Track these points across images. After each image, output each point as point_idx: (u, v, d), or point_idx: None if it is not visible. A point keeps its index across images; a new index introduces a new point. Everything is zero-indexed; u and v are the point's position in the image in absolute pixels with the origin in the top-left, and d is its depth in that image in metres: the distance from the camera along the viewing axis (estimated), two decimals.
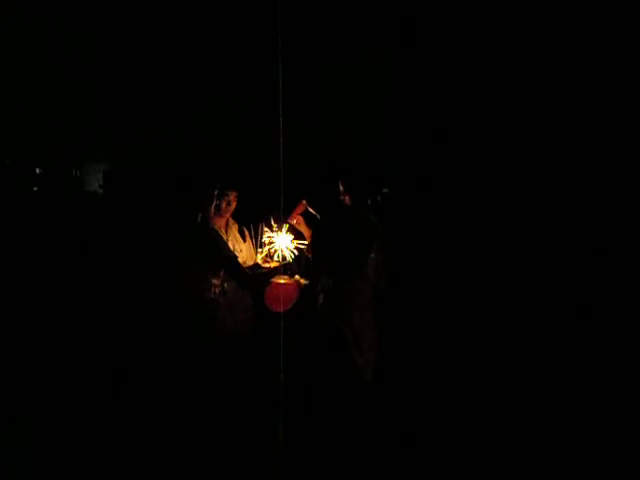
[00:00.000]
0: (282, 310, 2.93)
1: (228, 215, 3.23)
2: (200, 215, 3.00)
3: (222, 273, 2.99)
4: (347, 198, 3.25)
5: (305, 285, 3.04)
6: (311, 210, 3.23)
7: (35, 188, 5.40)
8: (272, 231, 3.15)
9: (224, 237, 3.17)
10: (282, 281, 2.95)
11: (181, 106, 5.18)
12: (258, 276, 3.05)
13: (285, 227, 3.14)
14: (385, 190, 5.02)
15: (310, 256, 3.23)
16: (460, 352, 3.89)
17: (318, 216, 3.23)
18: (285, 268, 3.02)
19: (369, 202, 4.63)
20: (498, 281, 4.46)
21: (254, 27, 4.77)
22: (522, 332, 4.01)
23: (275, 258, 3.13)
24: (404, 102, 5.26)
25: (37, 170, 5.43)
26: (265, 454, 2.73)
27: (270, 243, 3.15)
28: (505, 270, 4.53)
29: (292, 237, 3.13)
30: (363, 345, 3.12)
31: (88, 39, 5.35)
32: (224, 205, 3.14)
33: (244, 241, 3.32)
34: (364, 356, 3.13)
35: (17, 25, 5.32)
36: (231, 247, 3.18)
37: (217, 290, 2.96)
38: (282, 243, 3.11)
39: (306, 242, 3.16)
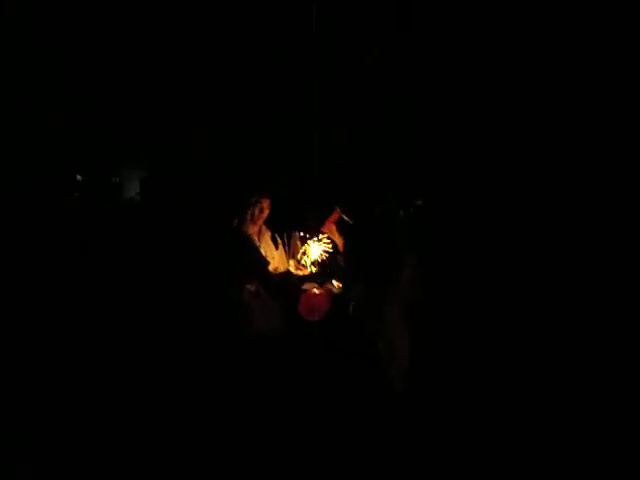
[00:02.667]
0: (315, 319, 2.96)
1: (261, 222, 3.25)
2: (236, 221, 3.04)
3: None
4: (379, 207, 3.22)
5: (338, 293, 3.02)
6: (345, 217, 3.21)
7: (76, 194, 5.58)
8: (304, 239, 3.15)
9: (257, 244, 3.19)
10: (314, 291, 2.96)
11: (214, 114, 5.27)
12: (286, 283, 3.06)
13: (316, 235, 3.13)
14: (419, 202, 4.94)
15: (343, 264, 3.21)
16: (493, 364, 3.79)
17: (350, 222, 3.20)
18: (316, 276, 3.01)
19: (402, 212, 4.58)
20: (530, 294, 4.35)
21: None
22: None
23: (306, 266, 3.12)
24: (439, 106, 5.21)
25: (78, 177, 5.60)
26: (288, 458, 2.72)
27: (302, 251, 3.16)
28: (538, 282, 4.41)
29: (323, 245, 3.12)
30: (395, 354, 3.07)
31: (128, 49, 5.50)
32: (257, 212, 3.17)
33: (276, 248, 3.33)
34: (396, 365, 3.07)
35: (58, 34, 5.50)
36: (263, 254, 3.21)
37: (250, 294, 2.99)
38: (313, 251, 3.10)
39: (338, 250, 3.15)
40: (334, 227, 3.18)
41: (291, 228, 3.22)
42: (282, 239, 3.34)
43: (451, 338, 3.98)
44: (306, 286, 2.95)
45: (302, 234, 3.15)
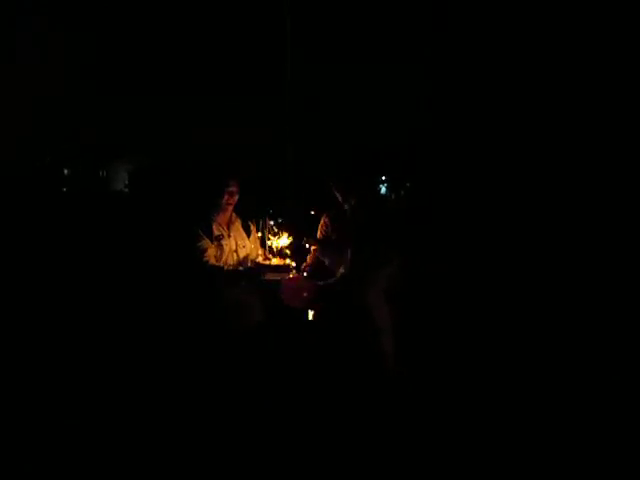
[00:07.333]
0: (300, 306, 2.95)
1: (231, 208, 3.07)
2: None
3: None
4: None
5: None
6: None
7: (64, 188, 5.49)
8: (273, 229, 2.96)
9: (224, 232, 3.02)
10: (291, 275, 2.84)
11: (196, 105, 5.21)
12: (227, 273, 2.89)
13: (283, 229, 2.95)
14: (408, 184, 4.79)
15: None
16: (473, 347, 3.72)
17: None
18: (284, 267, 2.84)
19: (393, 195, 4.46)
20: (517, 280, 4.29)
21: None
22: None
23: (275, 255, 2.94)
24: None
25: (65, 171, 5.51)
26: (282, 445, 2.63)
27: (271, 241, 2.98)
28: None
29: (291, 237, 2.95)
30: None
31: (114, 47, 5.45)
32: (226, 197, 2.98)
33: (249, 237, 3.15)
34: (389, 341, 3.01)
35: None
36: (233, 243, 3.05)
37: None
38: (282, 241, 2.93)
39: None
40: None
41: (264, 216, 3.01)
42: (255, 227, 3.16)
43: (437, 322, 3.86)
44: (269, 276, 2.78)
45: (273, 223, 2.94)
